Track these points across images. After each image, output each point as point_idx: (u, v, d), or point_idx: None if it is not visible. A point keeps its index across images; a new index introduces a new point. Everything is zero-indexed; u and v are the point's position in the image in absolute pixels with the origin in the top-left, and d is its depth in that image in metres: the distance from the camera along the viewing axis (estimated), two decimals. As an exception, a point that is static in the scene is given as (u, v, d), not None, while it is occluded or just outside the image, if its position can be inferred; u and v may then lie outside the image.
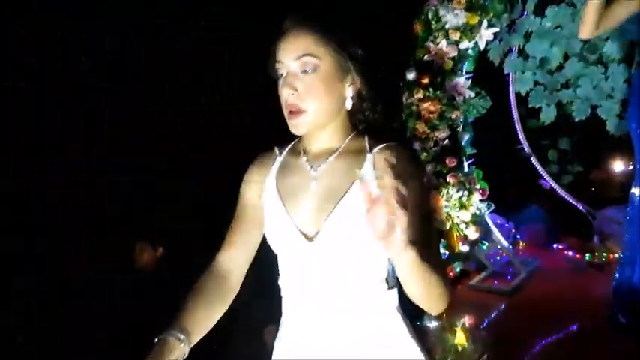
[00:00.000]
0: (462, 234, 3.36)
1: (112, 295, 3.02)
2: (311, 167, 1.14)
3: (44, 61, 3.64)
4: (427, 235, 1.05)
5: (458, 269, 3.47)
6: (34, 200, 3.59)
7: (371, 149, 1.13)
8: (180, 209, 3.88)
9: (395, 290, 1.14)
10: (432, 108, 3.31)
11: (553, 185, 3.91)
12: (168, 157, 3.99)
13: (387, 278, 1.12)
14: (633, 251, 2.62)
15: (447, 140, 3.37)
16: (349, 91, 1.13)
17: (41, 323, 3.03)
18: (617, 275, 2.71)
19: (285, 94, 1.08)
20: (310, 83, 1.07)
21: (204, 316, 1.13)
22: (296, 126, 1.09)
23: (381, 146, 1.12)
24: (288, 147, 1.23)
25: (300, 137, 1.20)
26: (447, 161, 3.30)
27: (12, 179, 3.47)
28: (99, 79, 3.87)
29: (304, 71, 1.08)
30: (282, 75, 1.10)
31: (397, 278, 1.10)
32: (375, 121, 1.20)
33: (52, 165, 3.62)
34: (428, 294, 0.99)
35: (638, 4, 2.31)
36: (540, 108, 3.88)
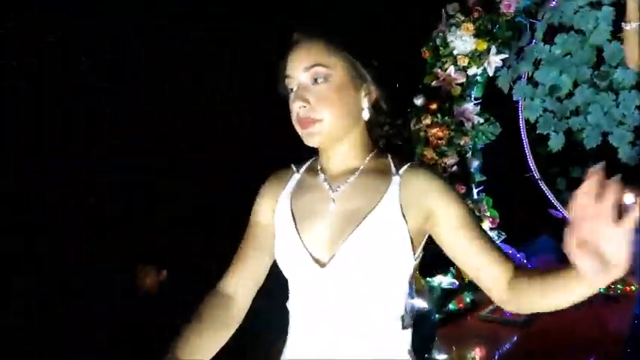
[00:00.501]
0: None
1: (112, 295, 3.00)
2: (330, 187, 1.08)
3: (44, 61, 3.68)
4: (488, 239, 1.01)
5: (468, 300, 3.40)
6: (34, 200, 3.59)
7: (397, 170, 1.06)
8: (180, 209, 3.86)
9: (409, 331, 1.06)
10: (440, 134, 3.30)
11: (564, 213, 3.84)
12: (168, 157, 4.00)
13: (402, 316, 1.04)
14: None
15: (455, 167, 3.35)
16: (365, 102, 1.07)
17: (41, 323, 3.01)
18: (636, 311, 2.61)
19: (297, 108, 1.02)
20: (322, 94, 1.02)
21: (204, 346, 1.06)
22: (310, 135, 1.03)
23: (406, 166, 1.06)
24: (306, 165, 1.17)
25: (317, 155, 1.14)
26: (456, 188, 3.27)
27: (12, 179, 3.48)
28: (99, 79, 3.90)
29: (315, 82, 1.02)
30: (292, 89, 1.05)
31: (412, 318, 1.06)
32: (395, 136, 1.13)
33: (52, 165, 3.63)
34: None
35: None
36: (549, 135, 3.87)
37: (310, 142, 1.04)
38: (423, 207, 1.01)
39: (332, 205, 1.05)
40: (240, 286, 1.13)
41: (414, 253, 1.02)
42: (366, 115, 1.07)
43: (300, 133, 1.05)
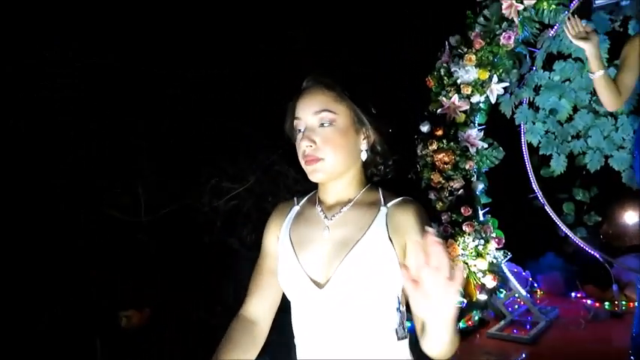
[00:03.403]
0: (479, 282, 3.39)
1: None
2: (325, 216, 1.21)
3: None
4: None
5: (476, 318, 3.48)
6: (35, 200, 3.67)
7: (385, 202, 1.19)
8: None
9: (406, 342, 1.16)
10: (446, 159, 3.40)
11: (568, 234, 3.94)
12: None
13: (396, 329, 1.13)
14: None
15: (461, 190, 3.44)
16: (364, 145, 1.22)
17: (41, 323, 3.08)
18: (634, 328, 2.68)
19: (304, 146, 1.16)
20: (328, 136, 1.16)
21: None
22: (314, 172, 1.17)
23: (397, 200, 1.19)
24: (306, 197, 1.31)
25: (317, 189, 1.29)
26: (463, 210, 3.37)
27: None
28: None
29: (322, 125, 1.16)
30: (300, 130, 1.19)
31: (406, 329, 1.15)
32: (387, 174, 1.29)
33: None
34: (449, 347, 0.98)
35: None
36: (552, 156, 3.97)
37: (314, 177, 1.19)
38: (401, 238, 1.14)
39: (327, 232, 1.18)
40: (260, 309, 1.26)
41: None
42: (364, 156, 1.23)
43: (305, 169, 1.20)
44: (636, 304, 2.49)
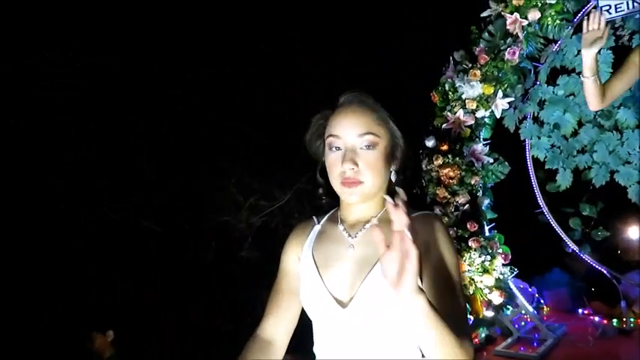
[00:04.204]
0: (485, 299, 3.35)
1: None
2: (349, 235, 1.20)
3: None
4: (451, 301, 1.06)
5: (483, 335, 3.43)
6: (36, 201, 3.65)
7: None
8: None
9: None
10: (451, 174, 3.39)
11: (575, 249, 3.90)
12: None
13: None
14: None
15: (467, 205, 3.42)
16: (394, 166, 1.22)
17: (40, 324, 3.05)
18: None
19: (346, 168, 1.14)
20: (370, 159, 1.14)
21: None
22: (352, 194, 1.15)
23: (416, 215, 1.19)
24: (326, 216, 1.30)
25: (338, 207, 1.28)
26: (469, 226, 3.34)
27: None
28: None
29: (365, 148, 1.15)
30: (336, 148, 1.16)
31: None
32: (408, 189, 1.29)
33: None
34: (445, 350, 0.95)
35: (634, 77, 2.46)
36: (557, 171, 3.96)
37: (350, 199, 1.18)
38: (424, 251, 1.11)
39: (351, 250, 1.17)
40: (277, 329, 1.25)
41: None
42: (394, 177, 1.22)
43: (339, 190, 1.18)
44: None
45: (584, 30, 2.42)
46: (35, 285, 3.38)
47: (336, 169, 1.16)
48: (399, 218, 0.87)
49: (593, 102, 2.56)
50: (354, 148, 1.15)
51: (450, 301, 1.06)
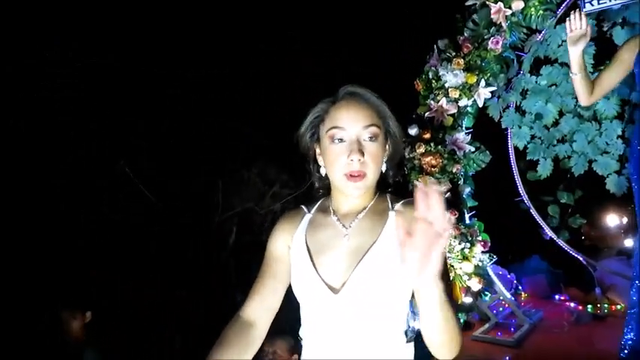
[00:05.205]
0: (464, 285, 3.41)
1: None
2: (343, 225, 1.22)
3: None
4: (446, 283, 1.09)
5: (462, 320, 3.49)
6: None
7: (392, 207, 1.21)
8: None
9: (412, 344, 1.18)
10: (433, 162, 3.42)
11: (553, 237, 3.98)
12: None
13: (406, 331, 1.16)
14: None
15: (448, 193, 3.45)
16: (385, 156, 1.23)
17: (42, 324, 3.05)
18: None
19: (354, 160, 1.14)
20: (373, 151, 1.16)
21: None
22: (358, 188, 1.17)
23: (400, 203, 1.22)
24: (316, 205, 1.31)
25: (326, 197, 1.30)
26: (449, 213, 3.37)
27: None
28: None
29: (368, 139, 1.16)
30: (339, 140, 1.17)
31: (414, 332, 1.17)
32: (389, 183, 1.29)
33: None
34: (448, 335, 1.01)
35: (623, 72, 2.51)
36: (538, 161, 4.02)
37: (354, 193, 1.19)
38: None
39: (346, 240, 1.19)
40: (259, 313, 1.26)
41: None
42: (384, 167, 1.24)
43: (342, 182, 1.18)
44: (630, 308, 2.51)
45: (568, 30, 2.45)
46: (35, 285, 3.38)
47: (339, 161, 1.17)
48: (430, 207, 0.87)
49: (583, 97, 2.61)
50: (359, 139, 1.17)
51: (444, 279, 1.09)
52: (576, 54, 2.47)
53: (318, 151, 1.25)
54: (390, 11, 4.59)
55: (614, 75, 2.54)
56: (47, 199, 3.76)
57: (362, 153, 1.15)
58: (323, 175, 1.27)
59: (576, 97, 3.69)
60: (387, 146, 1.24)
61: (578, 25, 2.43)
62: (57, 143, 3.86)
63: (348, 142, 1.16)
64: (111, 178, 3.98)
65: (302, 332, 1.24)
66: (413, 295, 1.17)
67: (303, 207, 1.33)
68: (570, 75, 2.55)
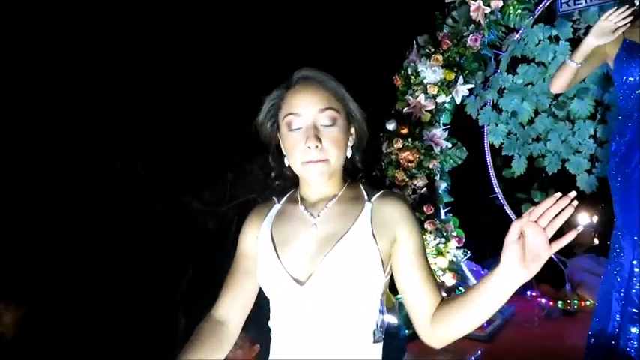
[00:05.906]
0: (439, 280, 3.44)
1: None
2: (311, 214, 1.18)
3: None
4: (429, 272, 1.17)
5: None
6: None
7: (369, 197, 1.18)
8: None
9: (380, 345, 1.15)
10: (410, 157, 3.43)
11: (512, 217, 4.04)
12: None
13: (374, 331, 1.12)
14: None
15: (424, 188, 3.47)
16: (350, 141, 1.20)
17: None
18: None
19: (312, 147, 1.10)
20: (332, 136, 1.12)
21: None
22: (321, 173, 1.13)
23: (379, 194, 1.18)
24: (287, 196, 1.28)
25: (296, 188, 1.26)
26: (425, 208, 3.40)
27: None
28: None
29: (327, 124, 1.12)
30: (296, 128, 1.13)
31: (383, 332, 1.14)
32: (358, 169, 1.27)
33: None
34: (485, 317, 1.12)
35: (596, 64, 2.50)
36: (513, 157, 4.07)
37: (316, 178, 1.15)
38: (390, 230, 1.13)
39: (313, 229, 1.16)
40: (231, 310, 1.23)
41: (384, 272, 1.12)
42: (349, 153, 1.21)
43: (302, 169, 1.15)
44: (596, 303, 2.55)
45: (604, 16, 2.27)
46: (35, 285, 3.30)
47: (297, 148, 1.13)
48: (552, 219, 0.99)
49: (562, 85, 2.51)
50: (316, 125, 1.12)
51: (429, 271, 1.15)
52: (590, 46, 2.32)
53: (281, 140, 1.21)
54: (389, 11, 4.59)
55: (588, 68, 2.49)
56: (47, 199, 3.69)
57: (319, 139, 1.10)
58: (287, 165, 1.22)
59: (552, 97, 3.80)
60: (352, 130, 1.20)
61: (617, 18, 2.24)
62: (57, 143, 3.79)
63: (304, 128, 1.12)
64: (111, 178, 3.91)
65: (270, 323, 1.21)
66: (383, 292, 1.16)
67: (274, 198, 1.29)
68: (567, 61, 2.41)
